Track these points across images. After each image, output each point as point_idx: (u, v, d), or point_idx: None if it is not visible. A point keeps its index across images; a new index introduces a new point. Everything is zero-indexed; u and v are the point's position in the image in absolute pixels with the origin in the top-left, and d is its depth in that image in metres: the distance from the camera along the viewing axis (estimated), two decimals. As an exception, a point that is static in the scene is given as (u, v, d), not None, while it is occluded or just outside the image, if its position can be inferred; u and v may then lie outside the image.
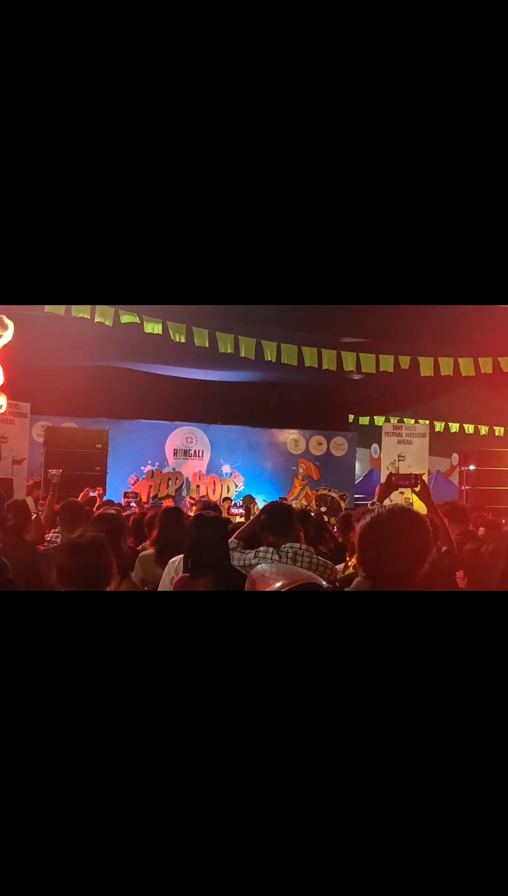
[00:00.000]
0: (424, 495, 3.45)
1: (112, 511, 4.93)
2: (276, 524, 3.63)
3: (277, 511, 3.77)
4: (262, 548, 3.53)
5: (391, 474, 3.39)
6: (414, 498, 3.53)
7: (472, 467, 10.92)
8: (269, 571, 1.82)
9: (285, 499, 12.74)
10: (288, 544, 3.48)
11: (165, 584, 3.85)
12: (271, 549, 3.47)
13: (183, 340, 10.58)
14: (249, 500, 11.68)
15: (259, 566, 1.90)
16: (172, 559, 3.84)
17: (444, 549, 3.65)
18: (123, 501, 9.88)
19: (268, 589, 1.72)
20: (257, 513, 3.96)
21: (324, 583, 1.76)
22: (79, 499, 5.69)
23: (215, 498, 13.05)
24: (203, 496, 12.95)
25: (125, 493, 11.02)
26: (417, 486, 3.43)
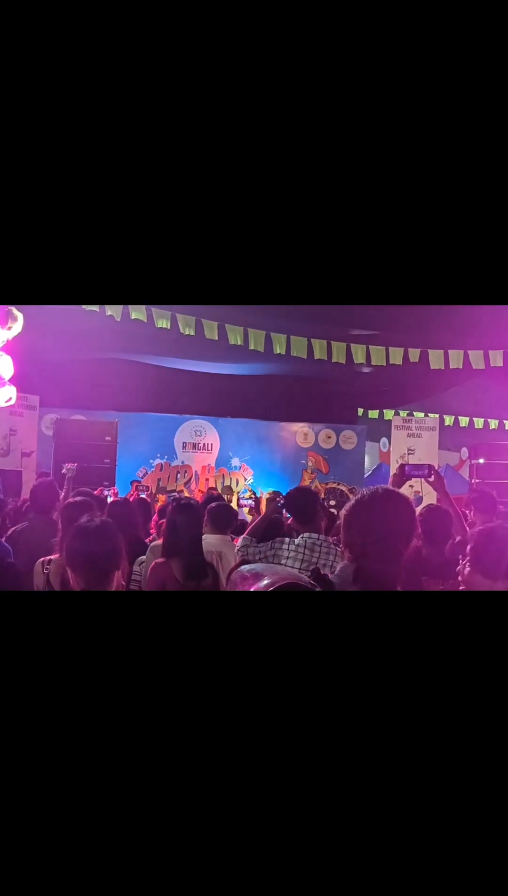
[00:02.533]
0: (437, 485, 3.43)
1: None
2: (300, 510, 3.62)
3: (302, 497, 3.75)
4: (278, 539, 3.51)
5: (403, 464, 3.37)
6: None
7: (481, 461, 10.86)
8: (250, 572, 1.80)
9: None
10: (306, 534, 3.46)
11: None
12: (286, 540, 3.45)
13: (192, 333, 10.57)
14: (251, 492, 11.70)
15: (241, 567, 1.89)
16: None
17: (458, 538, 3.64)
18: (131, 490, 9.89)
19: (250, 590, 1.70)
20: (266, 506, 3.94)
21: (308, 581, 1.75)
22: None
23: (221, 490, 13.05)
24: (212, 488, 12.95)
25: (134, 481, 11.00)
26: (430, 477, 3.41)
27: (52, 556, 3.53)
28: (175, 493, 11.96)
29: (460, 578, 2.32)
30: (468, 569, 2.29)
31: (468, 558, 2.33)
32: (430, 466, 3.50)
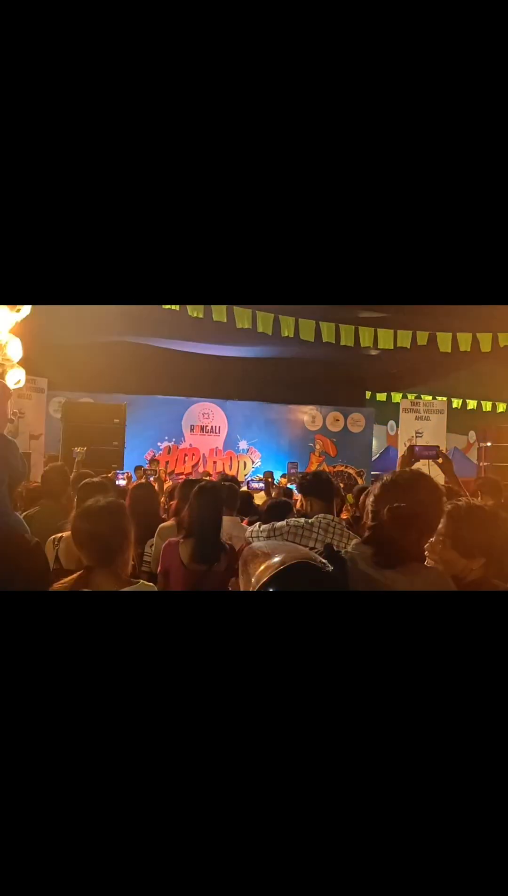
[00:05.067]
0: (446, 467, 3.44)
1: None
2: (319, 493, 3.65)
3: (321, 481, 3.78)
4: (292, 519, 3.53)
5: (412, 445, 3.37)
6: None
7: (489, 444, 10.85)
8: (260, 550, 1.80)
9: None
10: (321, 515, 3.48)
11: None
12: (303, 520, 3.47)
13: (200, 316, 10.58)
14: (268, 476, 11.72)
15: (253, 544, 1.89)
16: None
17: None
18: (135, 475, 9.89)
19: (261, 567, 1.70)
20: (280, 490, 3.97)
21: (320, 560, 1.75)
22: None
23: (232, 474, 13.07)
24: (220, 472, 12.98)
25: (140, 467, 11.00)
26: (438, 458, 3.42)
27: (62, 534, 3.57)
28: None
29: (429, 555, 2.32)
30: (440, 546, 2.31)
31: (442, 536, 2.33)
32: (438, 448, 3.51)
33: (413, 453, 3.30)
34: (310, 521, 3.44)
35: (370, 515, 1.99)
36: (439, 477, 3.89)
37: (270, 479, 10.82)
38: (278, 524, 3.44)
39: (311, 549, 2.92)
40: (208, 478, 10.89)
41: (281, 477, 11.78)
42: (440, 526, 2.35)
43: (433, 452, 3.40)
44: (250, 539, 3.53)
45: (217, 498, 3.82)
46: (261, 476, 11.58)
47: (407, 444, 3.46)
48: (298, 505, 3.94)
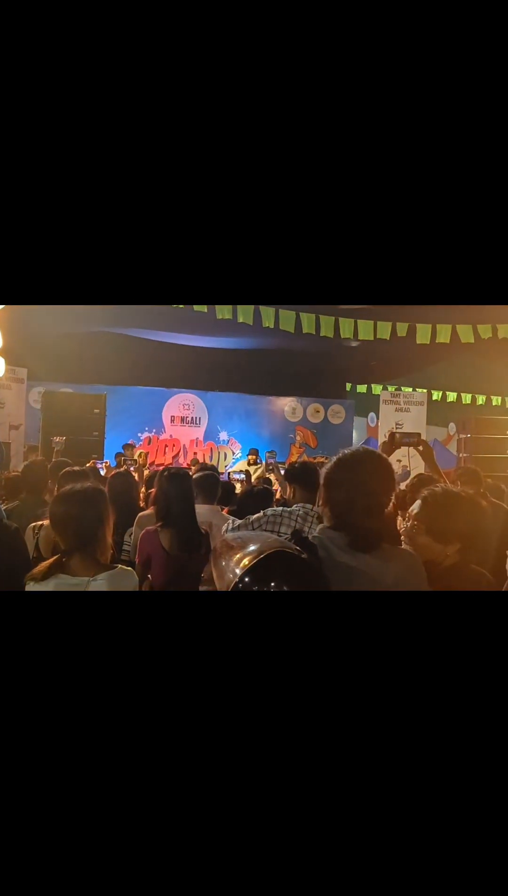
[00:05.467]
0: (426, 454, 3.45)
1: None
2: (303, 482, 3.66)
3: (308, 471, 3.80)
4: (270, 509, 3.54)
5: (394, 433, 3.39)
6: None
7: (468, 435, 10.91)
8: (234, 541, 1.80)
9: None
10: (299, 504, 3.49)
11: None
12: (280, 509, 3.48)
13: (181, 306, 10.53)
14: (253, 454, 11.76)
15: (226, 535, 1.88)
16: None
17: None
18: (115, 461, 9.84)
19: (236, 556, 1.70)
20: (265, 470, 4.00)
21: (293, 547, 1.75)
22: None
23: (211, 464, 13.06)
24: (201, 462, 12.96)
25: (120, 454, 10.94)
26: (419, 446, 3.43)
27: (42, 522, 3.55)
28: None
29: (404, 540, 2.32)
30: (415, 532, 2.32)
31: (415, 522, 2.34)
32: (419, 435, 3.53)
33: (395, 440, 3.31)
34: (289, 509, 3.44)
35: (327, 502, 1.97)
36: (418, 469, 3.91)
37: (253, 459, 10.77)
38: (254, 517, 3.45)
39: (281, 534, 2.93)
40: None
41: (267, 453, 11.76)
42: (415, 512, 2.35)
43: (414, 440, 3.42)
44: (226, 532, 3.54)
45: (186, 483, 3.83)
46: (245, 460, 11.54)
47: (388, 433, 3.47)
48: (278, 494, 3.93)
